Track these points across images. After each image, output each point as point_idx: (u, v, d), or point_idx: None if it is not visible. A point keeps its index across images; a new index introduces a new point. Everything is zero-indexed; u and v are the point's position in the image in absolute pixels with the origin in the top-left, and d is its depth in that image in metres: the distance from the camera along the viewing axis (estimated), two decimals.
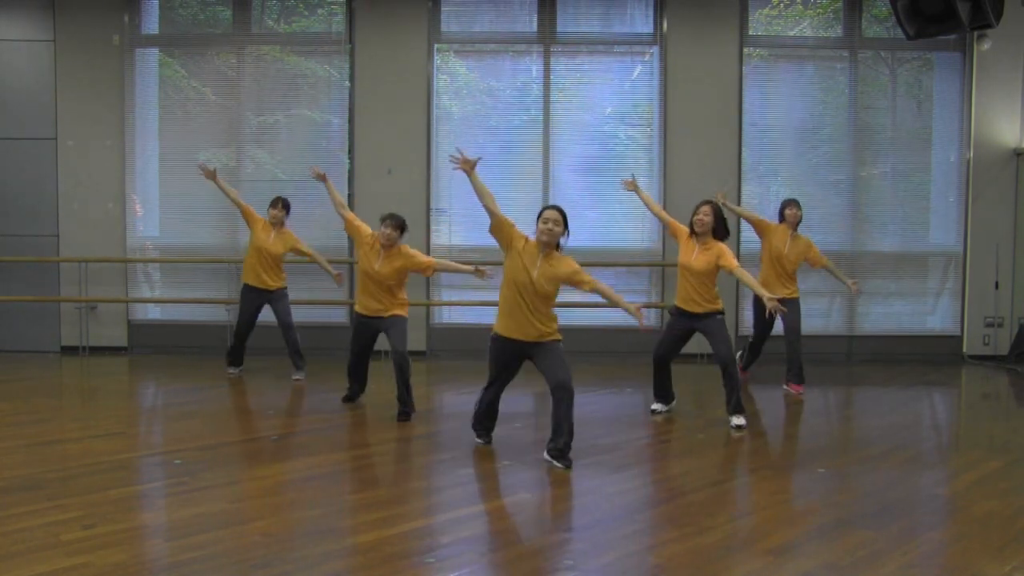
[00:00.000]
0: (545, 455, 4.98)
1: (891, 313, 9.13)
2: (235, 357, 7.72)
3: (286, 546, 3.63)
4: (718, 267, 5.86)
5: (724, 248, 5.90)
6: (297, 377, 7.56)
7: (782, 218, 7.29)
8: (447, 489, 4.60)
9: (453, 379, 7.89)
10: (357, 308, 6.23)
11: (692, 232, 6.01)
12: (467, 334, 8.78)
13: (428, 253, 8.84)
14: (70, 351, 8.96)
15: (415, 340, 8.83)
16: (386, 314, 6.12)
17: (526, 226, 5.20)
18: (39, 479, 4.51)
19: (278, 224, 7.43)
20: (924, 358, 8.95)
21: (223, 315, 8.77)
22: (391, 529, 3.87)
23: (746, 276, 5.80)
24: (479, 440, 5.39)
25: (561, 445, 4.88)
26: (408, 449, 5.38)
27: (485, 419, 5.37)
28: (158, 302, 9.19)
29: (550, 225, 4.87)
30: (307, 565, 3.41)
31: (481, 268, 6.00)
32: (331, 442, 5.51)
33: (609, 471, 4.84)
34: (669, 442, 5.64)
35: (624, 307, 4.95)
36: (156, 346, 9.01)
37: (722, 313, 6.03)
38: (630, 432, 5.87)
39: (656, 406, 6.36)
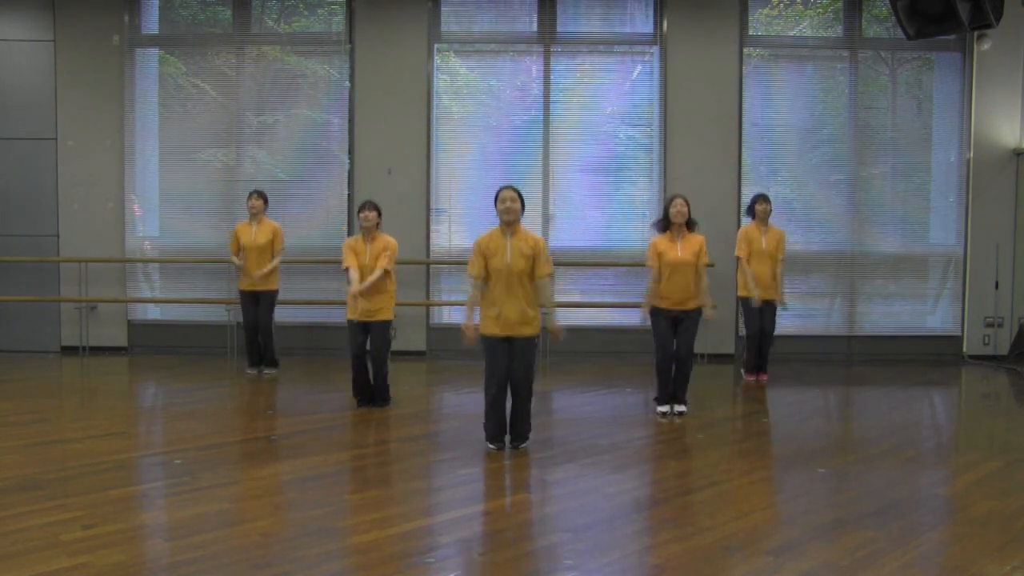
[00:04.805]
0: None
1: (891, 313, 9.13)
2: (251, 356, 7.77)
3: (286, 546, 3.63)
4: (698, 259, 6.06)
5: (703, 242, 6.09)
6: (268, 372, 7.69)
7: (753, 214, 7.54)
8: (447, 489, 4.60)
9: (453, 379, 7.88)
10: (349, 315, 6.27)
11: (667, 227, 6.11)
12: None
13: (428, 253, 8.87)
14: (70, 351, 8.95)
15: (415, 340, 8.85)
16: (375, 317, 6.22)
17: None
18: (39, 479, 4.51)
19: (258, 214, 7.58)
20: (924, 358, 8.94)
21: (223, 315, 8.76)
22: (390, 529, 3.87)
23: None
24: (491, 445, 5.21)
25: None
26: (408, 449, 5.38)
27: (494, 420, 5.23)
28: (158, 302, 9.19)
29: (507, 204, 5.12)
30: (307, 565, 3.40)
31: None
32: (331, 442, 5.51)
33: (609, 471, 4.84)
34: (669, 442, 5.64)
35: (548, 324, 5.22)
36: (156, 346, 9.01)
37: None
38: (630, 432, 5.87)
39: (663, 408, 6.33)
